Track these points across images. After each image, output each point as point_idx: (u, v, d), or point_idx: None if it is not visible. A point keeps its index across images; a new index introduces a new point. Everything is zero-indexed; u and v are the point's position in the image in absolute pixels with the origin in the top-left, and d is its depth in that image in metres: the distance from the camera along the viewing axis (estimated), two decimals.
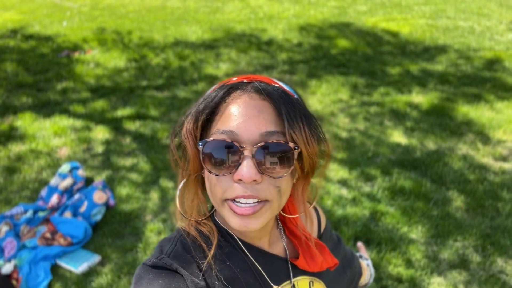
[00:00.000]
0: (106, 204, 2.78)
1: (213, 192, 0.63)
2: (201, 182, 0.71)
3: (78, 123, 3.86)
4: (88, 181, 3.06)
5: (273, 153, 0.59)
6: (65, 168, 3.01)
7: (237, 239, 0.71)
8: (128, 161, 3.29)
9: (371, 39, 6.21)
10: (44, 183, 3.05)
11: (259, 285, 0.70)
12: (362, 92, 4.46)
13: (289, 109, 0.61)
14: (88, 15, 7.69)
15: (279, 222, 0.81)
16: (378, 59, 5.41)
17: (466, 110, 4.02)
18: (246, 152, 0.59)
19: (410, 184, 2.97)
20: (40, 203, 2.81)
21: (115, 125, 3.81)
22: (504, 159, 3.29)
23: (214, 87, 0.68)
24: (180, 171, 0.71)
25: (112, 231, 2.62)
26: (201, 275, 0.65)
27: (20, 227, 2.60)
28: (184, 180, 0.70)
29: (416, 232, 2.53)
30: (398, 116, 3.96)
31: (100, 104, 4.22)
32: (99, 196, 2.74)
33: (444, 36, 6.32)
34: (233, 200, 0.61)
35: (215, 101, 0.63)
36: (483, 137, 3.58)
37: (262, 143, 0.59)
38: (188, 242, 0.69)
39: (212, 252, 0.67)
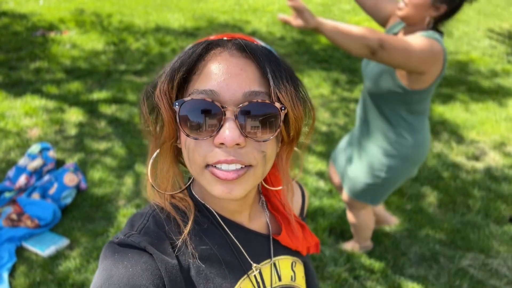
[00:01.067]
0: (77, 187, 2.69)
1: (192, 158, 0.57)
2: (176, 152, 0.66)
3: (51, 104, 3.71)
4: (59, 164, 2.94)
5: (257, 115, 0.54)
6: (35, 148, 2.89)
7: (216, 214, 0.67)
8: (102, 145, 3.19)
9: None
10: (12, 163, 2.92)
11: (237, 263, 0.66)
12: (343, 88, 4.49)
13: (274, 67, 0.56)
14: None
15: (261, 195, 0.76)
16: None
17: (441, 110, 4.10)
18: (228, 113, 0.54)
19: None
20: (7, 183, 2.69)
21: (90, 108, 3.68)
22: (476, 158, 3.38)
23: (191, 44, 0.62)
24: (152, 139, 0.65)
25: (82, 214, 2.53)
26: (174, 253, 0.60)
27: None
28: (158, 150, 0.64)
29: (390, 225, 2.57)
30: None
31: (75, 86, 4.07)
32: (70, 178, 2.64)
33: None
34: (214, 165, 0.56)
35: (192, 58, 0.57)
36: (457, 137, 3.67)
37: (246, 103, 0.54)
38: (161, 217, 0.64)
39: (188, 227, 0.62)
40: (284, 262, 0.74)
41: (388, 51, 1.45)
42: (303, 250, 0.76)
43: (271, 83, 0.55)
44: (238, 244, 0.67)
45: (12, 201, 2.56)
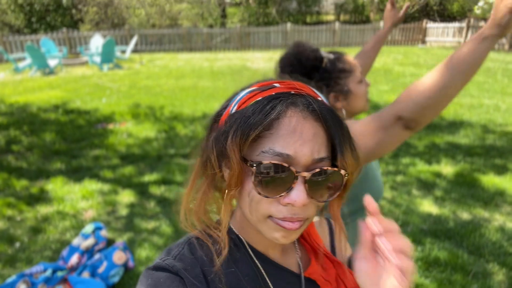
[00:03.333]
0: (125, 266, 2.72)
1: (255, 209, 0.60)
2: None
3: (106, 187, 3.95)
4: (110, 242, 3.03)
5: (324, 180, 0.59)
6: (88, 228, 3.02)
7: (248, 247, 0.69)
8: (150, 224, 3.27)
9: None
10: (67, 243, 3.04)
11: None
12: (387, 162, 4.41)
13: (339, 132, 0.60)
14: (126, 93, 8.29)
15: None
16: None
17: (498, 181, 3.87)
18: (300, 178, 0.57)
19: (445, 255, 2.77)
20: (60, 262, 2.78)
21: (141, 190, 3.87)
22: None
23: (255, 91, 0.63)
24: (207, 181, 0.66)
25: None
26: (205, 280, 0.62)
27: (38, 286, 2.54)
28: (223, 194, 0.66)
29: None
30: (426, 186, 3.84)
31: (128, 170, 4.35)
32: (118, 257, 2.69)
33: (469, 113, 6.35)
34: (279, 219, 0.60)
35: (270, 118, 0.58)
36: None
37: (317, 170, 0.58)
38: (196, 245, 0.67)
39: (223, 257, 0.65)
40: None
41: None
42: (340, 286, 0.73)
43: (338, 150, 0.59)
44: (267, 278, 0.67)
45: (63, 280, 2.61)
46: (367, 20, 21.09)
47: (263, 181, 0.57)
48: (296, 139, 0.57)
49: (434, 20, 18.31)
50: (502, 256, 2.77)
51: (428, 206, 3.47)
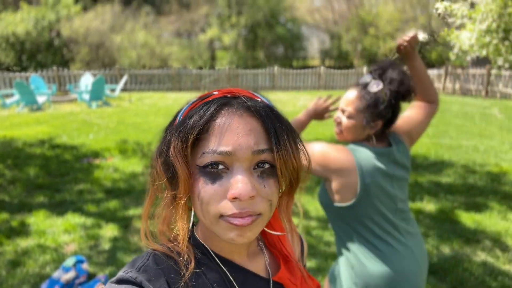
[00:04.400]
0: None
1: (205, 210, 0.62)
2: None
3: (89, 221, 3.89)
4: (91, 276, 2.95)
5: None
6: (69, 261, 2.95)
7: (213, 254, 0.70)
8: (133, 258, 3.20)
9: None
10: (47, 277, 2.95)
11: None
12: None
13: (276, 126, 0.63)
14: (114, 130, 8.33)
15: (260, 237, 0.80)
16: None
17: (479, 218, 3.95)
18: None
19: None
20: None
21: (125, 223, 3.82)
22: None
23: (196, 101, 0.67)
24: (167, 195, 0.68)
25: None
26: None
27: None
28: (165, 203, 0.69)
29: None
30: None
31: (113, 204, 4.30)
32: None
33: (449, 153, 6.55)
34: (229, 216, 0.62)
35: (205, 118, 0.62)
36: (501, 244, 3.45)
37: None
38: (161, 256, 0.67)
39: (190, 268, 0.65)
40: None
41: None
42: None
43: (273, 141, 0.62)
44: (235, 284, 0.68)
45: None
46: (351, 66, 22.00)
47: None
48: (233, 136, 0.60)
49: None
50: None
51: None
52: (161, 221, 0.70)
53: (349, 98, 1.52)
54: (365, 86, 1.50)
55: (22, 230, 3.71)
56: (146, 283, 0.61)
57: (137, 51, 20.29)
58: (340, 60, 24.04)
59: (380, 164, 1.47)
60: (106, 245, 3.43)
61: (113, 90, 15.36)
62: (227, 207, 0.60)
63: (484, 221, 3.89)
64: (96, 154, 6.31)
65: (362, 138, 1.54)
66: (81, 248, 3.38)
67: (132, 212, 4.08)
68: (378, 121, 1.49)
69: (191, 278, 0.65)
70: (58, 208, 4.25)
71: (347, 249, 1.53)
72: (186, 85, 17.80)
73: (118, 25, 21.02)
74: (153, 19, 22.52)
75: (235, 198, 0.59)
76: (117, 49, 20.43)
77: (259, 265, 0.75)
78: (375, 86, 1.47)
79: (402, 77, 1.48)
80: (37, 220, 3.92)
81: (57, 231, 3.68)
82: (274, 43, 20.07)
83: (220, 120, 0.61)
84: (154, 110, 11.42)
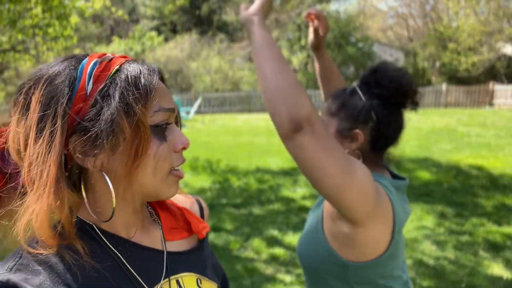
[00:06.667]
0: None
1: (161, 167, 0.62)
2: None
3: None
4: None
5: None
6: None
7: (99, 232, 0.62)
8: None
9: (455, 172, 5.95)
10: None
11: (131, 283, 0.62)
12: (451, 221, 4.10)
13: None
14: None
15: (148, 205, 0.76)
16: (468, 191, 5.06)
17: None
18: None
19: None
20: None
21: None
22: None
23: (107, 63, 0.61)
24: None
25: None
26: (53, 285, 0.55)
27: None
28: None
29: None
30: (495, 248, 3.48)
31: None
32: None
33: None
34: (174, 168, 0.65)
35: (149, 80, 0.62)
36: None
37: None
38: (38, 249, 0.58)
39: (82, 259, 0.58)
40: (189, 279, 0.69)
41: (316, 136, 0.91)
42: (194, 229, 0.75)
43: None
44: (128, 265, 0.63)
45: None
46: (428, 83, 20.85)
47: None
48: (167, 94, 0.65)
49: (502, 82, 17.56)
50: None
51: (497, 269, 3.11)
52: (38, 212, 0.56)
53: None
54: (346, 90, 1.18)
55: None
56: (22, 284, 0.54)
57: (211, 76, 21.34)
58: (416, 77, 22.92)
59: (403, 204, 1.12)
60: None
61: (188, 113, 16.28)
62: (175, 159, 0.64)
63: None
64: None
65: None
66: None
67: None
68: (357, 131, 1.10)
69: (81, 270, 0.58)
70: None
71: None
72: (255, 106, 18.24)
73: (195, 53, 22.40)
74: (226, 46, 23.65)
75: (183, 148, 0.65)
76: (193, 75, 21.70)
77: (154, 237, 0.71)
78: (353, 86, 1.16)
79: (395, 73, 1.11)
80: None
81: None
82: (345, 63, 19.77)
83: (155, 80, 0.63)
84: (224, 130, 11.83)
